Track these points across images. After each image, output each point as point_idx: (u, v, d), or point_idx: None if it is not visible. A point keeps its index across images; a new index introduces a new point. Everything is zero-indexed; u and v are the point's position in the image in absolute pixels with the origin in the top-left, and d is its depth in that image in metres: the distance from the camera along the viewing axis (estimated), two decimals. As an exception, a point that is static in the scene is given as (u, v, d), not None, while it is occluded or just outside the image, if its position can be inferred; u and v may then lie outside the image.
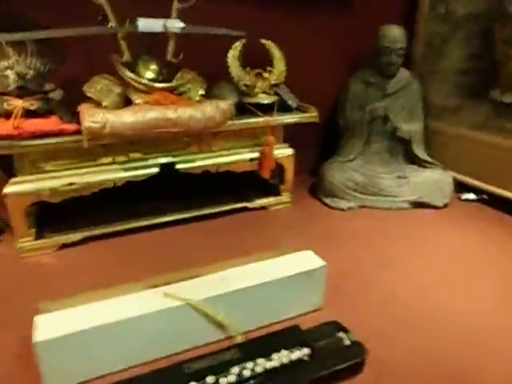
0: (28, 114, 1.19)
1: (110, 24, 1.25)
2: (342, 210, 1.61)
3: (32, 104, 1.20)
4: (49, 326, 0.78)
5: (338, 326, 0.92)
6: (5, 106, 1.18)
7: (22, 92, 1.20)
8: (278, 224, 1.52)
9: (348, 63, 1.90)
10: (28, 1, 1.27)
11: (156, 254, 1.28)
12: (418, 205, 1.64)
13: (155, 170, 1.34)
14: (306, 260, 1.02)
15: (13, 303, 1.04)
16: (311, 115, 1.56)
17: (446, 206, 1.64)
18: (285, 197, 1.64)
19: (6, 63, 1.22)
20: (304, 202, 1.69)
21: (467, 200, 1.71)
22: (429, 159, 1.75)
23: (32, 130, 1.17)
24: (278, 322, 0.98)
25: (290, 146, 1.58)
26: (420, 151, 1.75)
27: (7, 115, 1.18)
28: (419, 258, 1.29)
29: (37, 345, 0.75)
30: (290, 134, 1.58)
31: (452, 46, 1.72)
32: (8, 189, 1.19)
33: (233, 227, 1.47)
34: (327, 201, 1.66)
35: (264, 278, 0.94)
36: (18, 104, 1.19)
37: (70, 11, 1.30)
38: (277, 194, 1.63)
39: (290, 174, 1.60)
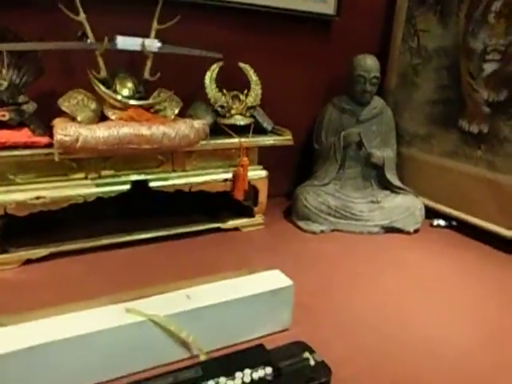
0: (0, 125, 1.18)
1: (88, 40, 1.27)
2: (315, 233, 1.62)
3: (4, 115, 1.19)
4: (1, 340, 0.75)
5: (303, 347, 0.91)
6: (-24, 116, 1.17)
7: (-6, 103, 1.20)
8: (250, 245, 1.52)
9: (323, 89, 1.95)
10: (10, 13, 1.28)
11: (123, 272, 1.25)
12: (390, 230, 1.66)
13: (127, 187, 1.33)
14: (273, 279, 1.01)
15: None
16: (286, 138, 1.59)
17: (416, 231, 1.67)
18: (258, 219, 1.64)
19: (-19, 74, 1.22)
20: (277, 224, 1.70)
21: (438, 226, 1.75)
22: (400, 185, 1.78)
23: (3, 140, 1.15)
24: (243, 342, 0.96)
25: (265, 169, 1.59)
26: (392, 177, 1.78)
27: (-22, 126, 1.16)
28: (388, 280, 1.30)
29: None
30: (265, 157, 1.60)
31: (424, 77, 1.79)
32: (-27, 200, 1.16)
33: (204, 247, 1.45)
34: (300, 224, 1.67)
35: (229, 296, 0.93)
36: (-11, 115, 1.18)
37: (50, 26, 1.31)
38: (250, 215, 1.64)
39: (263, 195, 1.60)
